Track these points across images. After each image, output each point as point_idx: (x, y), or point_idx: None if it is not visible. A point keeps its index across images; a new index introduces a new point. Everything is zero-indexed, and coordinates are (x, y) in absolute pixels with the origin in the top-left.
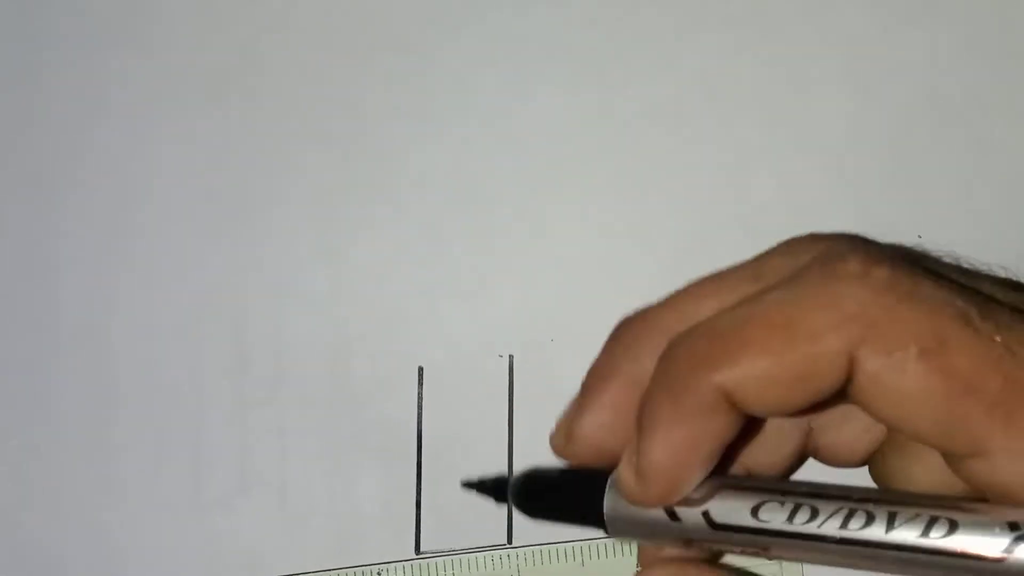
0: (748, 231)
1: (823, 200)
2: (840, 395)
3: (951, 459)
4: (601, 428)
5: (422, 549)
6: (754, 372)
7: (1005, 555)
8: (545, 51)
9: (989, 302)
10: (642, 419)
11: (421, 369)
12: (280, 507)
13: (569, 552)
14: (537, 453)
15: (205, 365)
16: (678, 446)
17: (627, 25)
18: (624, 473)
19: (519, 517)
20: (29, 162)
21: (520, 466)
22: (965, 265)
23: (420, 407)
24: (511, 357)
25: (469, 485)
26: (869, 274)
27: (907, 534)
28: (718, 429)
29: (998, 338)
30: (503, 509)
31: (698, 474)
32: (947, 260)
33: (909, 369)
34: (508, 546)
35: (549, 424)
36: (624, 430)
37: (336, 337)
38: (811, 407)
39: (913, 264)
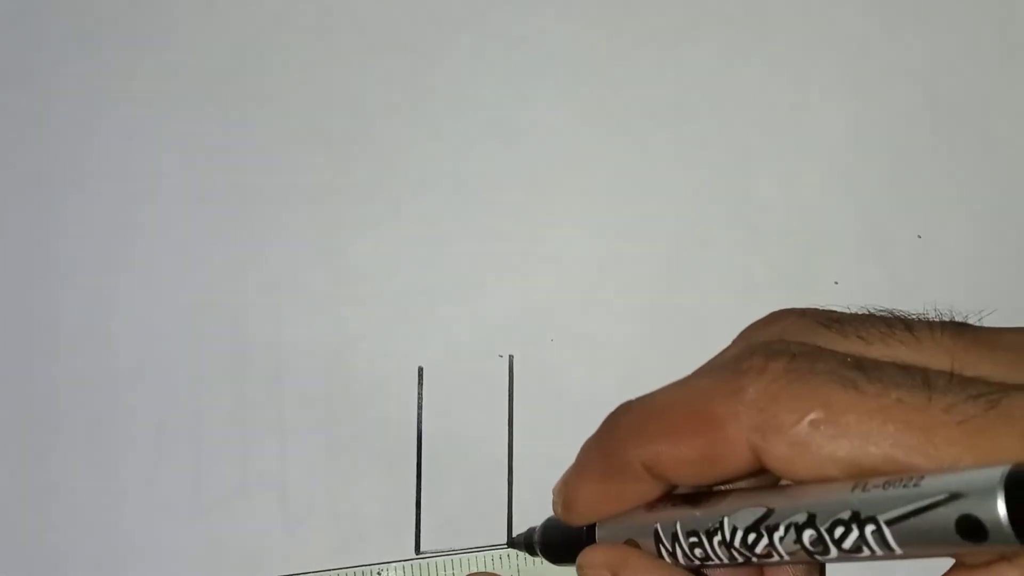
0: (748, 231)
1: (823, 200)
2: (760, 468)
3: None
4: (591, 499)
5: (422, 549)
6: (668, 453)
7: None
8: (545, 51)
9: (878, 366)
10: (578, 460)
11: (421, 369)
12: (280, 507)
13: None
14: (537, 453)
15: (205, 365)
16: (599, 497)
17: (627, 25)
18: (556, 497)
19: (519, 518)
20: (29, 162)
21: (520, 466)
22: (902, 319)
23: (420, 407)
24: (511, 357)
25: (513, 544)
26: (767, 367)
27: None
28: (637, 492)
29: (892, 394)
30: (503, 509)
31: (616, 511)
32: (869, 321)
33: (805, 441)
34: (508, 546)
35: (549, 424)
36: (616, 506)
37: (336, 337)
38: (735, 478)
39: (811, 350)
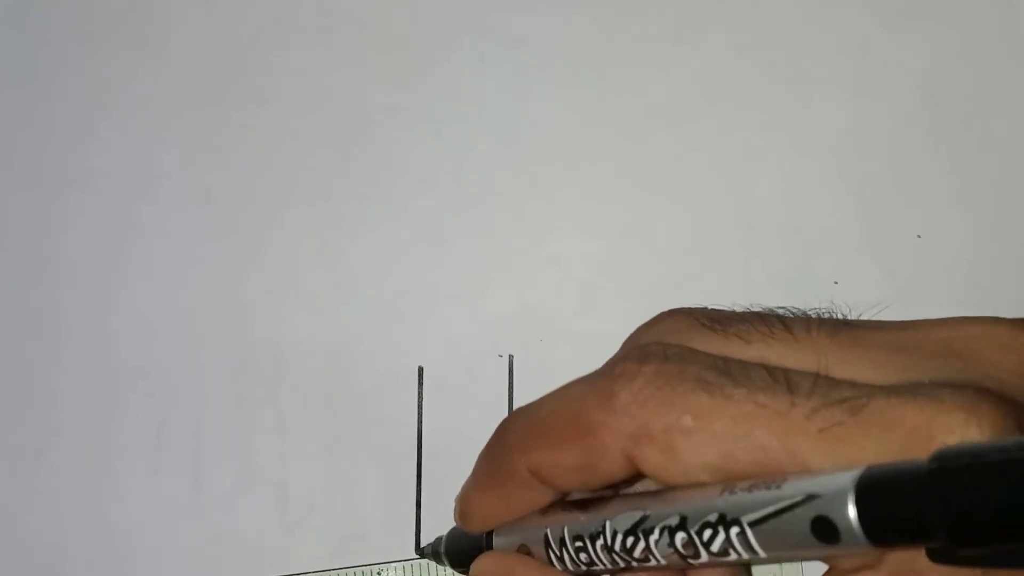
0: (748, 231)
1: (823, 200)
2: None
3: None
4: (484, 508)
5: (422, 547)
6: (549, 460)
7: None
8: (545, 51)
9: (746, 369)
10: (473, 471)
11: (421, 369)
12: (280, 507)
13: None
14: None
15: (205, 365)
16: (490, 504)
17: (627, 26)
18: (455, 510)
19: None
20: (28, 162)
21: None
22: (778, 316)
23: (420, 407)
24: (511, 357)
25: (421, 553)
26: (639, 371)
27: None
28: (526, 499)
29: (758, 399)
30: None
31: (507, 518)
32: (750, 320)
33: (678, 448)
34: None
35: None
36: (508, 513)
37: (336, 337)
38: (617, 482)
39: (683, 352)
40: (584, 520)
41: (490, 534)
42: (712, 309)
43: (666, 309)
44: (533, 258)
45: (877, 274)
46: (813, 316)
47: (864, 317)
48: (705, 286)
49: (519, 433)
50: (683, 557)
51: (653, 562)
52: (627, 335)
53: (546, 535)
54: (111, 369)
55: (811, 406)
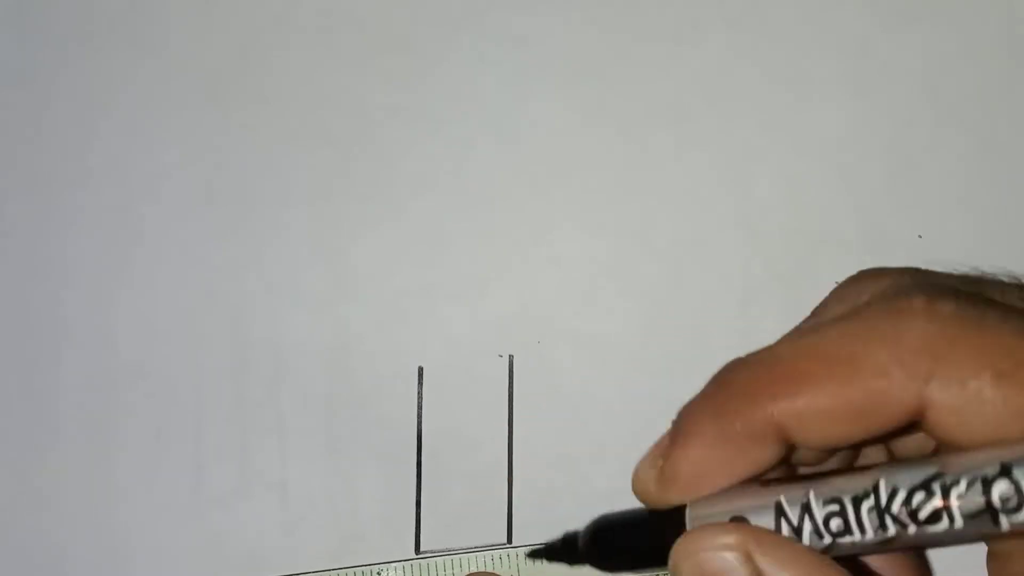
0: (748, 231)
1: (823, 200)
2: (908, 428)
3: None
4: (701, 469)
5: (422, 549)
6: (814, 406)
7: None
8: (545, 51)
9: None
10: (680, 426)
11: (421, 369)
12: (280, 507)
13: None
14: (537, 453)
15: (205, 365)
16: (711, 465)
17: (627, 26)
18: (643, 473)
19: (519, 518)
20: (28, 162)
21: (520, 466)
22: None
23: (420, 407)
24: (511, 357)
25: (536, 555)
26: (934, 308)
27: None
28: (757, 458)
29: None
30: (503, 509)
31: (729, 482)
32: (1008, 280)
33: (987, 394)
34: (508, 546)
35: (549, 424)
36: (734, 477)
37: (336, 337)
38: (871, 440)
39: (977, 295)
40: (842, 482)
41: (677, 513)
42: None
43: (863, 269)
44: (533, 258)
45: None
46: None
47: None
48: (705, 286)
49: (761, 381)
50: (994, 517)
51: (943, 525)
52: (628, 335)
53: (779, 502)
54: (111, 369)
55: None
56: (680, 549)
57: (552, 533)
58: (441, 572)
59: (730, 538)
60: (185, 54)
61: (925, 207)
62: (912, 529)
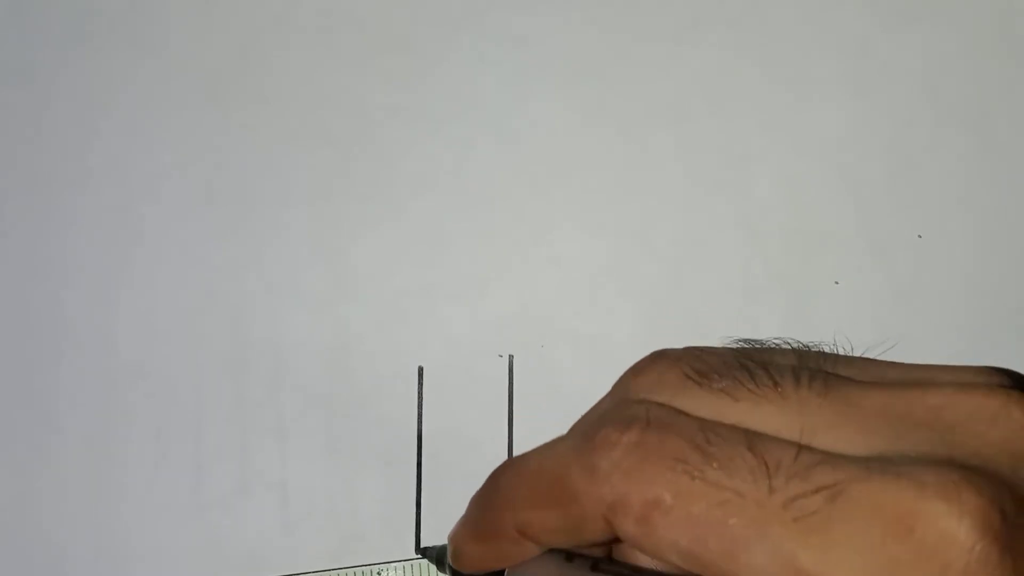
0: (748, 231)
1: (823, 200)
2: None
3: None
4: (476, 556)
5: (422, 549)
6: (534, 520)
7: None
8: (545, 51)
9: (729, 444)
10: (463, 519)
11: (421, 369)
12: (280, 507)
13: None
14: None
15: (205, 365)
16: (479, 553)
17: (627, 26)
18: (449, 549)
19: None
20: (29, 162)
21: None
22: (770, 358)
23: (420, 407)
24: (511, 357)
25: (424, 553)
26: (619, 441)
27: None
28: (516, 551)
29: (735, 484)
30: None
31: (499, 567)
32: (739, 374)
33: (652, 522)
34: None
35: (549, 424)
36: (500, 564)
37: (336, 337)
38: (603, 542)
39: (664, 417)
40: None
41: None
42: (699, 355)
43: (655, 351)
44: (533, 258)
45: (877, 274)
46: (809, 359)
47: (868, 354)
48: (705, 286)
49: (507, 489)
50: None
51: None
52: (628, 335)
53: None
54: (111, 369)
55: (789, 494)
56: None
57: None
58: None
59: None
60: (185, 54)
61: (925, 207)
62: None
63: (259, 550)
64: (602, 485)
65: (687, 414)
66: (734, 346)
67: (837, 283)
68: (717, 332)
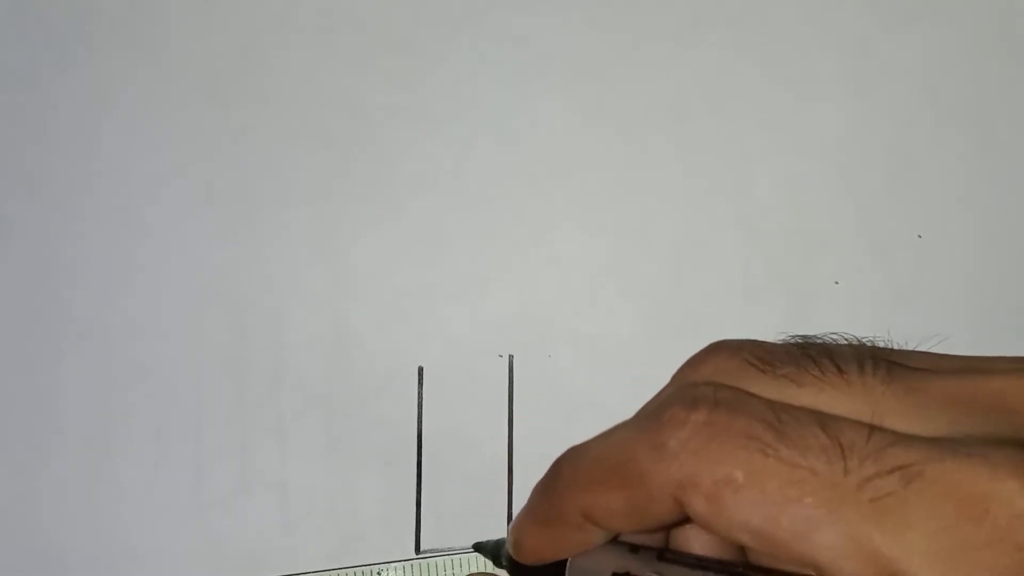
0: (748, 231)
1: (823, 200)
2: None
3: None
4: (537, 544)
5: (422, 549)
6: (600, 504)
7: None
8: (545, 51)
9: (800, 425)
10: (526, 507)
11: (421, 369)
12: (280, 507)
13: None
14: (537, 453)
15: (205, 365)
16: (542, 541)
17: (627, 26)
18: (509, 540)
19: None
20: (29, 162)
21: (520, 466)
22: (837, 349)
23: (420, 407)
24: (511, 357)
25: (477, 547)
26: (687, 420)
27: None
28: (581, 538)
29: (809, 462)
30: (503, 509)
31: (562, 556)
32: (802, 361)
33: (724, 501)
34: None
35: (549, 424)
36: (563, 553)
37: (336, 337)
38: (670, 526)
39: (734, 398)
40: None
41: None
42: (758, 344)
43: (712, 343)
44: (533, 258)
45: (877, 274)
46: (867, 351)
47: (918, 348)
48: (705, 286)
49: (571, 475)
50: None
51: None
52: (628, 335)
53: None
54: (112, 369)
55: (864, 475)
56: None
57: None
58: (441, 572)
59: None
60: (185, 54)
61: (925, 207)
62: None
63: (259, 550)
64: (671, 464)
65: (755, 395)
66: (789, 340)
67: (837, 283)
68: (717, 332)
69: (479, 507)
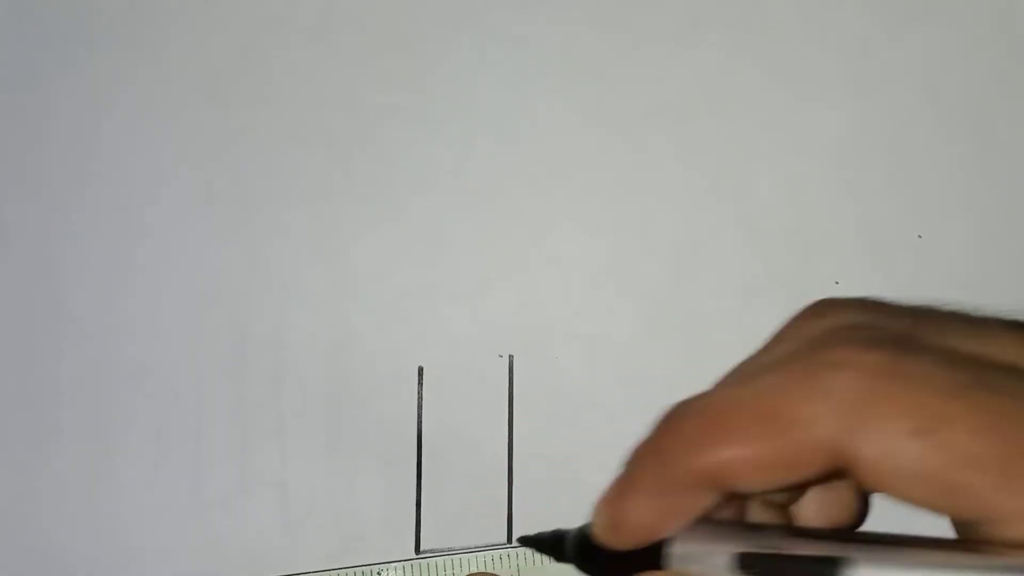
0: (748, 231)
1: (823, 200)
2: (835, 474)
3: (961, 526)
4: (648, 516)
5: (422, 549)
6: (739, 459)
7: None
8: (545, 51)
9: (986, 370)
10: (625, 476)
11: (421, 369)
12: (280, 507)
13: None
14: (537, 453)
15: (205, 365)
16: (654, 513)
17: (627, 26)
18: (599, 521)
19: (519, 517)
20: (29, 163)
21: (520, 466)
22: (976, 315)
23: (420, 407)
24: (511, 357)
25: (526, 541)
26: (859, 361)
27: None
28: (696, 504)
29: (994, 407)
30: (503, 509)
31: (672, 531)
32: (956, 314)
33: (904, 450)
34: (508, 546)
35: (549, 424)
36: (673, 524)
37: (336, 337)
38: (811, 483)
39: (910, 339)
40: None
41: (657, 546)
42: (885, 301)
43: (822, 299)
44: (533, 258)
45: (877, 274)
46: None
47: None
48: (705, 286)
49: (698, 430)
50: None
51: None
52: (628, 335)
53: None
54: (112, 369)
55: None
56: None
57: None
58: (441, 572)
59: None
60: (185, 54)
61: (925, 207)
62: None
63: (259, 550)
64: (841, 408)
65: (938, 342)
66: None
67: (837, 283)
68: (717, 332)
69: (479, 507)
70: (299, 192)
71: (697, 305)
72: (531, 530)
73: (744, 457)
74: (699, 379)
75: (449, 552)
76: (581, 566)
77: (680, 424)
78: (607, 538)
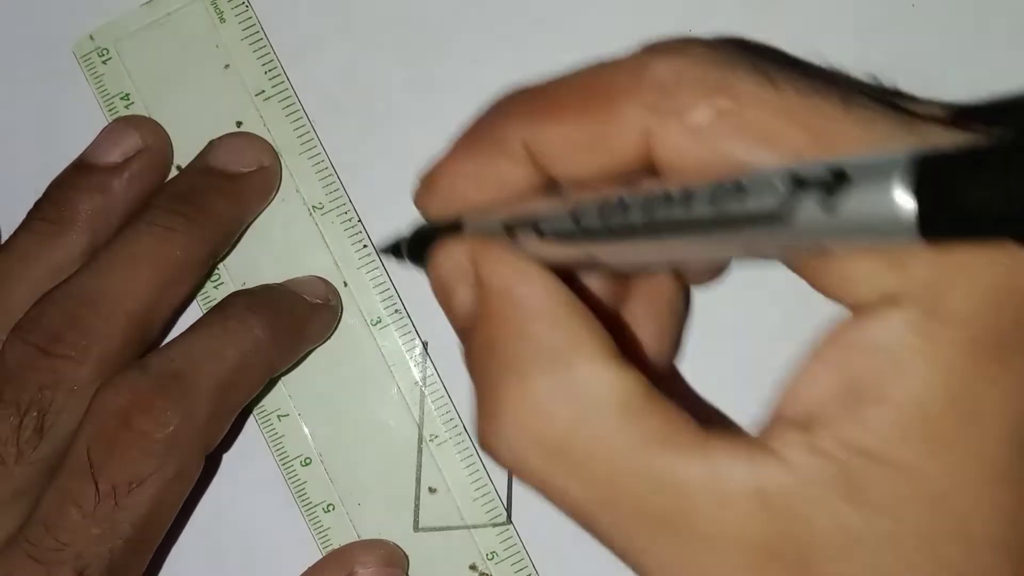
0: None
1: None
2: (650, 168)
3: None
4: (456, 179)
5: (421, 526)
6: (552, 130)
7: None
8: (545, 51)
9: (801, 77)
10: (450, 143)
11: (426, 343)
12: (280, 507)
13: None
14: None
15: None
16: (464, 176)
17: (627, 26)
18: (418, 188)
19: (518, 495)
20: (30, 164)
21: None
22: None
23: (422, 393)
24: None
25: (385, 251)
26: (681, 50)
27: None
28: (507, 175)
29: (809, 99)
30: (502, 487)
31: (483, 197)
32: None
33: (705, 128)
34: (507, 524)
35: None
36: (483, 191)
37: None
38: (620, 176)
39: (735, 50)
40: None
41: (457, 225)
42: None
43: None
44: None
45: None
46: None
47: None
48: (705, 285)
49: (519, 102)
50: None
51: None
52: None
53: (527, 208)
54: None
55: (863, 115)
56: (429, 260)
57: (550, 513)
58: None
59: (460, 249)
60: None
61: None
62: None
63: (259, 549)
64: (651, 86)
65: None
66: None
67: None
68: (717, 332)
69: (478, 484)
70: None
71: (697, 305)
72: (530, 507)
73: (557, 130)
74: (699, 378)
75: (447, 528)
76: (412, 258)
77: (506, 102)
78: (422, 204)
